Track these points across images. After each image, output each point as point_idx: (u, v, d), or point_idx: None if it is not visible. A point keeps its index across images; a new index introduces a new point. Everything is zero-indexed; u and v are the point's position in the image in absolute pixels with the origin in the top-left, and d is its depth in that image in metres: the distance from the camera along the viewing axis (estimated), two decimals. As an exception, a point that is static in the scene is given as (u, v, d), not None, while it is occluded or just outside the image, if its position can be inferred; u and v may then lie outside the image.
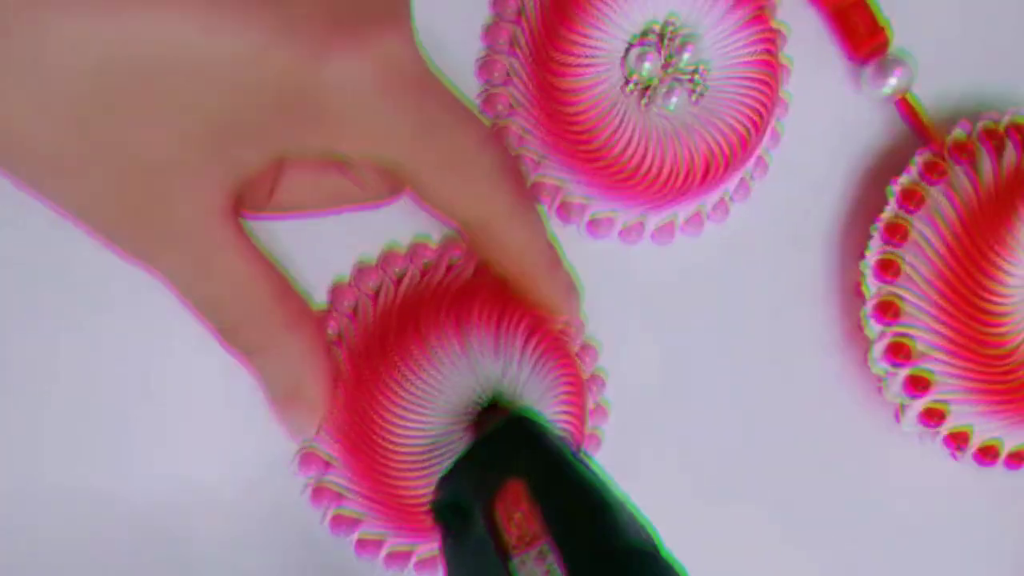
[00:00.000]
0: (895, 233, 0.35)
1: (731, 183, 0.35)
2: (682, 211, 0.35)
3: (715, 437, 0.36)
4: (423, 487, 0.30)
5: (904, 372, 0.35)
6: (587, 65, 0.32)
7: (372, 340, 0.31)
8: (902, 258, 0.35)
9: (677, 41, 0.32)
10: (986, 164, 0.35)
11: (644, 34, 0.32)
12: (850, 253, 0.37)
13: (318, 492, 0.32)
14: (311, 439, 0.32)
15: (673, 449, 0.36)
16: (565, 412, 0.31)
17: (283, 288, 0.28)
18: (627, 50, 0.32)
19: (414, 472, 0.30)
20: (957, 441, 0.36)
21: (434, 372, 0.30)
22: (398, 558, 0.33)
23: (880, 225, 0.35)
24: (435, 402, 0.30)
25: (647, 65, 0.32)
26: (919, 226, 0.35)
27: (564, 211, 0.34)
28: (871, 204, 0.36)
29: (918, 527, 0.38)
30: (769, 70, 0.33)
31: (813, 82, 0.37)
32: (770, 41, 0.33)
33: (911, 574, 0.38)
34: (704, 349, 0.36)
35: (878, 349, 0.35)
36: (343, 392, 0.31)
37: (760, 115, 0.33)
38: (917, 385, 0.35)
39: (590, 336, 0.35)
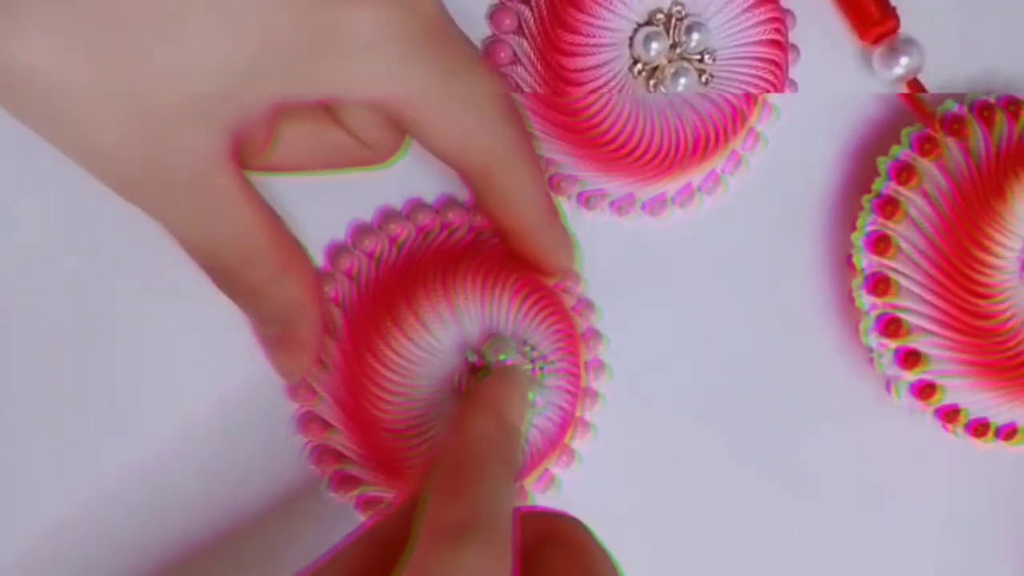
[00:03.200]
0: (888, 207, 0.35)
1: (722, 157, 0.35)
2: (674, 184, 0.35)
3: (706, 407, 0.36)
4: (416, 452, 0.31)
5: (895, 346, 0.35)
6: (594, 47, 0.32)
7: (368, 303, 0.31)
8: (895, 232, 0.34)
9: (685, 23, 0.32)
10: (979, 137, 0.34)
11: (652, 16, 0.32)
12: (843, 226, 0.37)
13: (319, 452, 0.32)
14: (314, 402, 0.32)
15: (664, 419, 0.36)
16: (561, 366, 0.32)
17: (280, 233, 0.28)
18: (634, 32, 0.32)
19: (406, 437, 0.30)
20: (949, 415, 0.35)
21: (423, 334, 0.30)
22: None
23: (872, 199, 0.35)
24: (424, 366, 0.30)
25: (655, 46, 0.32)
26: (912, 200, 0.34)
27: (556, 184, 0.34)
28: (863, 176, 0.36)
29: (910, 499, 0.38)
30: (778, 51, 0.33)
31: (810, 59, 0.36)
32: (779, 21, 0.33)
33: (903, 545, 0.38)
34: (697, 319, 0.36)
35: (870, 323, 0.35)
36: (340, 355, 0.31)
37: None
38: (908, 360, 0.34)
39: (586, 293, 0.35)
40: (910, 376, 0.35)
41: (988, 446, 0.36)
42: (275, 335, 0.30)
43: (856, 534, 0.37)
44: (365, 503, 0.32)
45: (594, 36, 0.32)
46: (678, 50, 0.32)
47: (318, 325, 0.30)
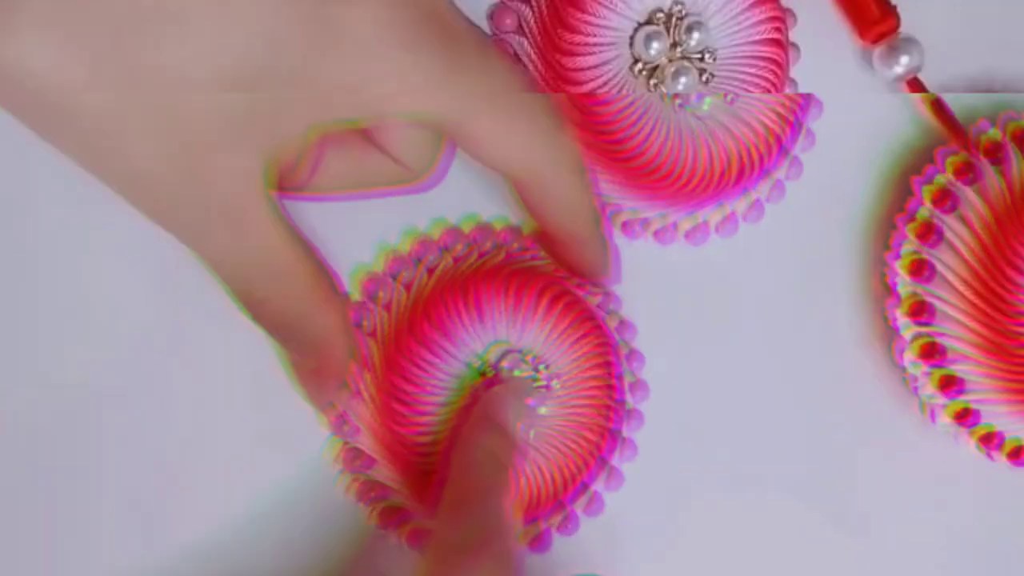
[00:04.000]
0: (926, 232, 0.34)
1: (764, 185, 0.35)
2: (713, 210, 0.35)
3: (746, 432, 0.36)
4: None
5: (937, 373, 0.34)
6: (594, 46, 0.32)
7: (399, 329, 0.31)
8: (934, 257, 0.34)
9: (685, 23, 0.32)
10: (1020, 164, 0.34)
11: (652, 16, 0.32)
12: (878, 248, 0.37)
13: (363, 488, 0.32)
14: (356, 438, 0.32)
15: (702, 443, 0.36)
16: (596, 379, 0.32)
17: (313, 263, 0.28)
18: (634, 32, 0.32)
19: (435, 455, 0.30)
20: (990, 441, 0.35)
21: (446, 347, 0.30)
22: None
23: (913, 225, 0.35)
24: (447, 381, 0.30)
25: (655, 46, 0.32)
26: (950, 225, 0.34)
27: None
28: (897, 196, 0.36)
29: (950, 525, 0.37)
30: (778, 50, 0.33)
31: (810, 58, 0.36)
32: (779, 20, 0.33)
33: (943, 570, 0.38)
34: (735, 345, 0.36)
35: (911, 350, 0.35)
36: (374, 385, 0.31)
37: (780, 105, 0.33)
38: (947, 385, 0.34)
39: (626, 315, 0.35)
40: (949, 401, 0.35)
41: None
42: (308, 365, 0.30)
43: (894, 560, 0.37)
44: (415, 537, 0.32)
45: (594, 35, 0.32)
46: (678, 49, 0.32)
47: (353, 355, 0.30)
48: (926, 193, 0.35)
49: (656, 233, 0.35)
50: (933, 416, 0.36)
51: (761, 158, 0.33)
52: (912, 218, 0.35)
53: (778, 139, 0.33)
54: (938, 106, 0.36)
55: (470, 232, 0.34)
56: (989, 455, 0.36)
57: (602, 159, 0.33)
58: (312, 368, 0.30)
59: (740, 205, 0.35)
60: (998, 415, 0.34)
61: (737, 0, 0.32)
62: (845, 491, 0.37)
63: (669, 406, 0.35)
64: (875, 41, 0.36)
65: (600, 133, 0.32)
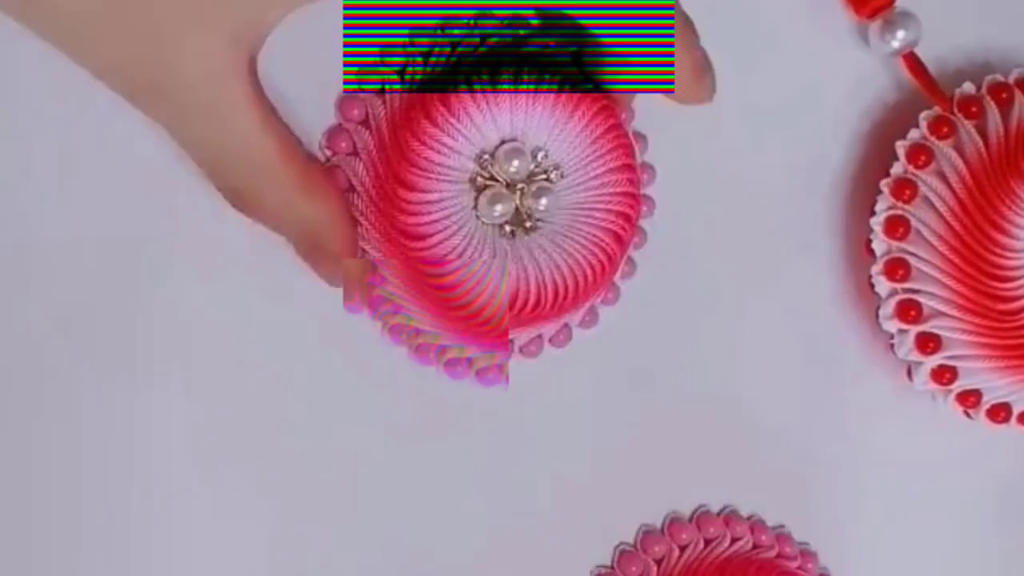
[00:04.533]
0: (904, 190, 0.34)
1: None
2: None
3: (725, 395, 0.36)
4: (459, 282, 0.29)
5: (914, 331, 0.34)
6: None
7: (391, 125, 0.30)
8: (911, 216, 0.34)
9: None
10: (994, 119, 0.33)
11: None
12: (859, 210, 0.36)
13: (374, 300, 0.31)
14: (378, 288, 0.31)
15: (683, 404, 0.35)
16: (617, 178, 0.30)
17: (294, 152, 0.28)
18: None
19: (432, 247, 0.29)
20: (968, 400, 0.35)
21: (453, 125, 0.29)
22: (454, 363, 0.32)
23: (889, 182, 0.34)
24: (447, 165, 0.29)
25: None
26: (928, 183, 0.34)
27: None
28: (880, 161, 0.35)
29: (929, 484, 0.38)
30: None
31: (819, 38, 0.36)
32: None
33: (923, 530, 0.38)
34: (713, 307, 0.35)
35: (888, 308, 0.34)
36: (367, 199, 0.30)
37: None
38: (926, 344, 0.34)
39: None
40: (928, 361, 0.34)
41: (1007, 430, 0.35)
42: (306, 248, 0.30)
43: (872, 520, 0.37)
44: (421, 350, 0.32)
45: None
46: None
47: (347, 238, 0.30)
48: (900, 149, 0.35)
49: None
50: (910, 374, 0.35)
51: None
52: (886, 175, 0.35)
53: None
54: (913, 62, 0.35)
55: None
56: (966, 413, 0.36)
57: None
58: (309, 249, 0.30)
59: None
60: (976, 373, 0.34)
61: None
62: (825, 451, 0.37)
63: (642, 367, 0.35)
64: (871, 16, 0.35)
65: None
